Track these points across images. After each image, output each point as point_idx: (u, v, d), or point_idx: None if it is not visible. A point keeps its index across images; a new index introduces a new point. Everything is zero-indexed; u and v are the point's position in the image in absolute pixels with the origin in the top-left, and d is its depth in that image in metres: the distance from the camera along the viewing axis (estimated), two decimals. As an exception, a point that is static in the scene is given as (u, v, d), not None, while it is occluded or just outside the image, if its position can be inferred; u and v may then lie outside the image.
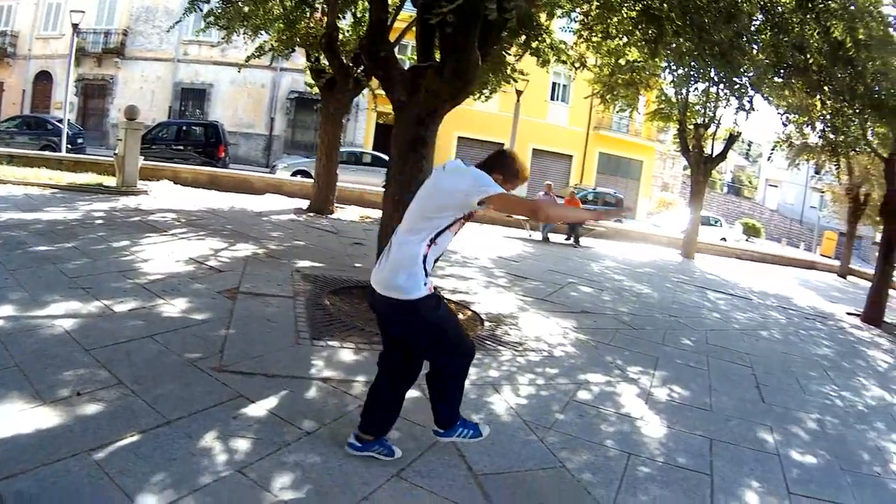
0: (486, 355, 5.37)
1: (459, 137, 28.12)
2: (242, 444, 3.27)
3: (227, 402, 3.70)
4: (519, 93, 17.75)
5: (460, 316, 6.38)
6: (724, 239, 27.03)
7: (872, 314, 13.02)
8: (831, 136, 12.96)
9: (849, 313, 14.07)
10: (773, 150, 16.67)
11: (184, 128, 20.26)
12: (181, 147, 18.89)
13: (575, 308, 7.99)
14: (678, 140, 17.31)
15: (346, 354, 4.85)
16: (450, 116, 21.07)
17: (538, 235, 14.82)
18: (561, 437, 4.19)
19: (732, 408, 5.61)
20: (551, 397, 4.76)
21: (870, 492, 4.76)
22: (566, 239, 15.38)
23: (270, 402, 3.82)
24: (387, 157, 20.40)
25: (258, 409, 3.70)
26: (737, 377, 6.64)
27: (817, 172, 21.77)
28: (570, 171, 31.52)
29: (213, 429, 3.36)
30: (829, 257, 34.64)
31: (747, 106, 16.43)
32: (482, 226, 15.34)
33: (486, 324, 6.40)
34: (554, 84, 29.61)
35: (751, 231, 38.89)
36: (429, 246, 2.85)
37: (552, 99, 30.34)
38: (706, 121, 16.63)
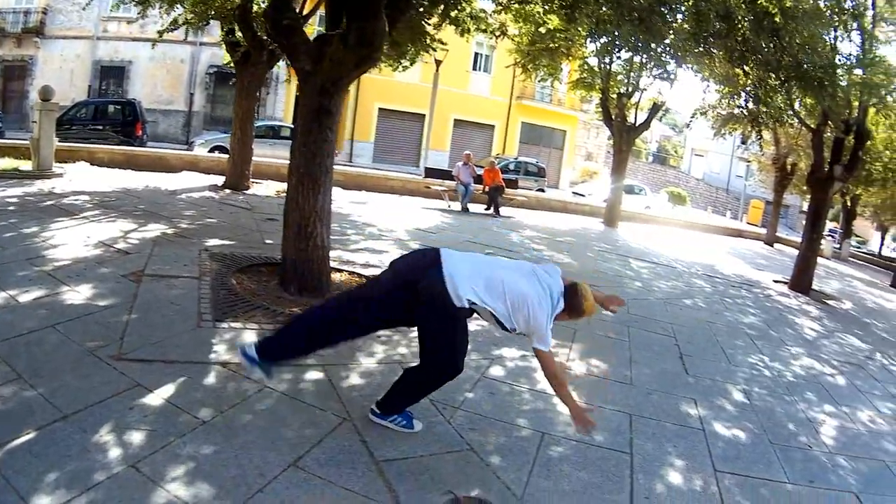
0: (395, 331, 5.57)
1: (381, 109, 30.88)
2: (137, 437, 3.43)
3: (124, 392, 3.87)
4: (438, 63, 19.38)
5: None
6: (648, 207, 29.59)
7: (800, 281, 14.29)
8: (753, 106, 13.71)
9: (776, 281, 15.31)
10: (692, 118, 17.63)
11: (101, 107, 21.76)
12: (99, 127, 20.16)
13: None
14: (601, 109, 18.72)
15: (249, 336, 5.08)
16: (371, 88, 25.54)
17: (458, 206, 15.79)
18: (470, 417, 4.35)
19: (654, 380, 5.87)
20: (462, 375, 4.64)
21: (800, 465, 5.06)
22: (486, 209, 16.34)
23: (168, 390, 4.00)
24: None
25: (155, 398, 3.88)
26: (659, 348, 7.01)
27: (743, 142, 23.49)
28: (493, 142, 34.69)
29: (110, 421, 3.52)
30: (756, 225, 37.49)
31: (667, 74, 17.38)
32: (400, 197, 16.59)
33: None
34: (476, 54, 32.57)
35: (676, 199, 42.37)
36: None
37: (474, 69, 33.32)
38: (629, 90, 18.06)
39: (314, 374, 4.48)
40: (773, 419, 5.90)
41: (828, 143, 14.12)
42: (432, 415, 4.23)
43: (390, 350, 5.39)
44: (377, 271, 7.47)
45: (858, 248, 46.10)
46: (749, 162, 37.82)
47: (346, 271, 7.52)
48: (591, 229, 17.54)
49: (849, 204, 32.82)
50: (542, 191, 26.66)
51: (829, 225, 46.18)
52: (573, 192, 31.49)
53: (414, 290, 3.48)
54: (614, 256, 13.18)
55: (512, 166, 27.45)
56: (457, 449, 3.87)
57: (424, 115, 26.15)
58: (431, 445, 3.83)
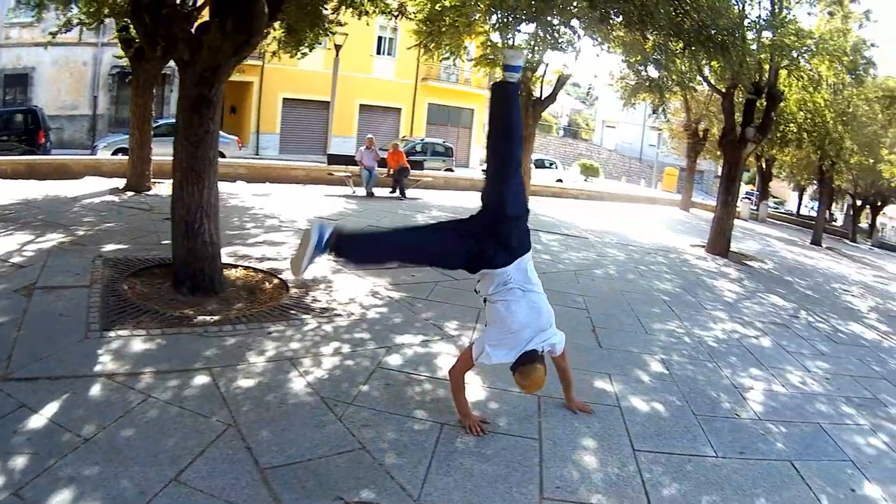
0: (288, 326, 5.67)
1: (285, 99, 31.53)
2: (21, 462, 3.37)
3: (9, 414, 3.81)
4: (338, 47, 20.50)
5: (266, 285, 7.02)
6: (559, 180, 30.93)
7: (717, 244, 14.67)
8: (657, 73, 14.12)
9: (693, 245, 15.68)
10: (589, 91, 17.87)
11: (3, 116, 21.58)
12: (4, 137, 20.01)
13: (391, 263, 8.08)
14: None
15: (136, 343, 5.05)
16: (275, 79, 26.94)
17: (363, 191, 16.24)
18: (364, 412, 4.28)
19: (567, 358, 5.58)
20: (357, 367, 4.99)
21: (728, 436, 4.91)
22: (391, 192, 16.83)
23: (52, 408, 3.94)
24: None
25: (39, 418, 3.82)
26: (570, 322, 6.86)
27: (654, 112, 23.94)
28: (400, 125, 35.87)
29: (-7, 448, 3.42)
30: (671, 192, 38.68)
31: (568, 46, 17.49)
32: (305, 186, 16.89)
33: (293, 290, 6.80)
34: (380, 38, 33.82)
35: (588, 171, 43.93)
36: None
37: (378, 53, 34.52)
38: (533, 64, 18.71)
39: (200, 379, 4.45)
40: (696, 389, 5.76)
41: (740, 106, 14.58)
42: (322, 413, 4.14)
43: (282, 346, 5.29)
44: (274, 265, 7.74)
45: (776, 208, 48.59)
46: (660, 130, 39.34)
47: (242, 266, 7.51)
48: None
49: (764, 166, 34.14)
50: (451, 170, 27.44)
51: (746, 188, 48.46)
52: (482, 171, 31.23)
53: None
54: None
55: (419, 147, 28.14)
56: (348, 449, 3.76)
57: (328, 103, 26.79)
58: (320, 447, 3.73)
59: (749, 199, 39.06)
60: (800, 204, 49.97)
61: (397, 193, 16.76)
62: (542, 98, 18.92)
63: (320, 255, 3.76)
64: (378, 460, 3.67)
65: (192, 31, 6.49)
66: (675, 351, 6.80)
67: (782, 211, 48.88)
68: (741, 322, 8.61)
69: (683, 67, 13.88)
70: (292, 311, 6.13)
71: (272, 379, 4.58)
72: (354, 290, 7.05)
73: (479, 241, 3.90)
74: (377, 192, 16.58)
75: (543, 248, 11.81)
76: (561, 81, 19.28)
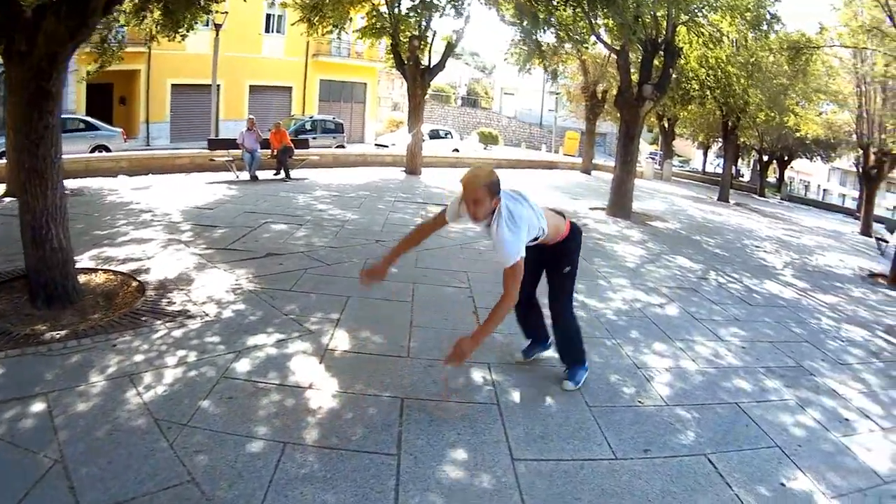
0: (136, 336, 5.27)
1: (174, 85, 31.19)
2: None
3: None
4: (217, 27, 20.97)
5: (125, 289, 6.67)
6: (456, 150, 31.59)
7: (618, 206, 14.50)
8: (549, 37, 14.23)
9: (593, 208, 15.46)
10: (449, 50, 18.37)
11: None
12: None
13: (260, 252, 8.21)
14: (392, 55, 19.82)
15: None
16: (162, 65, 29.21)
17: (246, 175, 16.10)
18: (199, 434, 3.87)
19: (438, 348, 5.29)
20: (200, 378, 4.61)
21: (630, 431, 4.32)
22: (275, 174, 16.83)
23: None
24: (99, 122, 22.20)
25: None
26: (449, 304, 6.58)
27: (553, 78, 24.43)
28: (291, 103, 36.45)
29: None
30: (573, 156, 39.30)
31: (451, 10, 17.33)
32: (189, 175, 16.33)
33: (149, 293, 6.45)
34: (268, 16, 34.25)
35: (487, 139, 44.60)
36: None
37: (267, 31, 34.87)
38: (421, 32, 18.89)
39: (37, 406, 4.04)
40: (592, 373, 5.09)
41: (637, 64, 14.75)
42: (154, 439, 3.75)
43: (125, 360, 4.81)
44: (136, 265, 7.34)
45: (681, 167, 50.34)
46: (558, 94, 40.08)
47: (103, 270, 7.05)
48: (391, 179, 18.03)
49: (667, 125, 35.17)
50: (343, 147, 27.98)
51: (650, 148, 49.68)
52: (376, 144, 33.58)
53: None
54: (410, 206, 13.01)
55: (308, 125, 28.40)
56: (175, 483, 3.35)
57: (220, 86, 27.76)
58: (147, 482, 3.34)
59: (653, 158, 40.08)
60: (705, 161, 51.77)
61: (282, 175, 16.63)
62: (431, 66, 19.28)
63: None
64: (207, 495, 3.27)
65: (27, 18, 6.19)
66: None
67: (688, 169, 50.57)
68: (644, 289, 8.13)
69: (577, 26, 14.36)
70: (144, 318, 5.78)
71: (108, 401, 4.15)
72: (215, 287, 6.63)
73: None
74: (263, 174, 16.39)
75: (421, 218, 11.22)
76: (450, 48, 19.63)
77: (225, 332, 5.36)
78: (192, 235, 9.01)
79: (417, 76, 18.99)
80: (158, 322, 5.64)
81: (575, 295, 6.91)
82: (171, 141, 30.25)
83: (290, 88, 36.53)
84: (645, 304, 7.42)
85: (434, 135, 31.93)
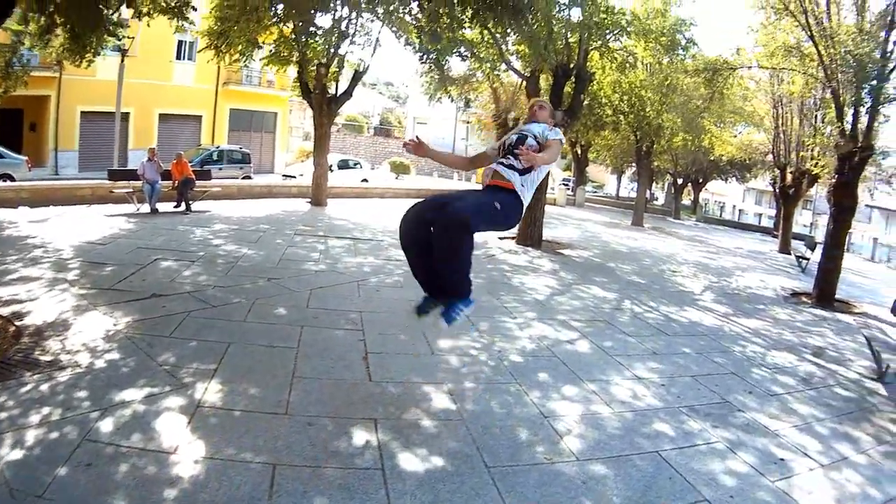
0: (2, 390, 4.84)
1: (84, 112, 30.18)
2: None
3: None
4: (123, 52, 20.75)
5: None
6: (365, 180, 31.93)
7: (528, 235, 14.16)
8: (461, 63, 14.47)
9: (501, 238, 15.05)
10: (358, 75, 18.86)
11: None
12: None
13: (145, 293, 7.73)
14: (298, 84, 19.94)
15: None
16: (72, 92, 27.94)
17: (147, 207, 15.52)
18: None
19: (320, 401, 4.94)
20: (61, 440, 4.18)
21: (535, 494, 3.86)
22: (175, 206, 16.26)
23: None
24: (4, 149, 21.02)
25: None
26: (338, 350, 6.11)
27: (466, 105, 24.43)
28: (201, 132, 35.96)
29: None
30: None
31: (358, 37, 17.65)
32: (90, 206, 15.52)
33: (24, 340, 5.99)
34: (180, 42, 33.35)
35: (399, 169, 44.38)
36: None
37: (178, 58, 34.38)
38: (327, 59, 18.80)
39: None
40: (493, 427, 4.63)
41: (548, 91, 14.61)
42: None
43: None
44: (17, 308, 6.88)
45: (595, 192, 51.19)
46: (469, 122, 40.48)
47: None
48: (295, 212, 17.61)
49: (580, 151, 35.41)
50: (249, 177, 27.70)
51: (563, 174, 50.37)
52: (283, 175, 33.23)
53: None
54: (309, 239, 12.51)
55: (215, 155, 27.99)
56: None
57: (129, 114, 27.96)
58: None
59: (566, 185, 40.58)
60: (619, 186, 52.87)
61: (182, 207, 16.11)
62: (338, 95, 19.25)
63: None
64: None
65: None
66: (469, 375, 5.70)
67: (601, 194, 51.44)
68: (554, 323, 7.70)
69: (488, 53, 14.40)
70: (14, 369, 5.40)
71: None
72: (92, 333, 6.13)
73: None
74: (161, 207, 15.82)
75: (326, 257, 10.60)
76: (357, 77, 19.55)
77: (94, 386, 4.94)
78: (80, 274, 8.52)
79: (324, 105, 18.91)
80: (28, 374, 5.25)
81: (476, 336, 6.59)
82: (79, 170, 29.32)
83: (200, 117, 36.06)
84: (554, 340, 6.97)
85: (343, 165, 31.91)
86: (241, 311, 7.07)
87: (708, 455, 4.48)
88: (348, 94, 19.34)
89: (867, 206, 41.68)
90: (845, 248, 11.92)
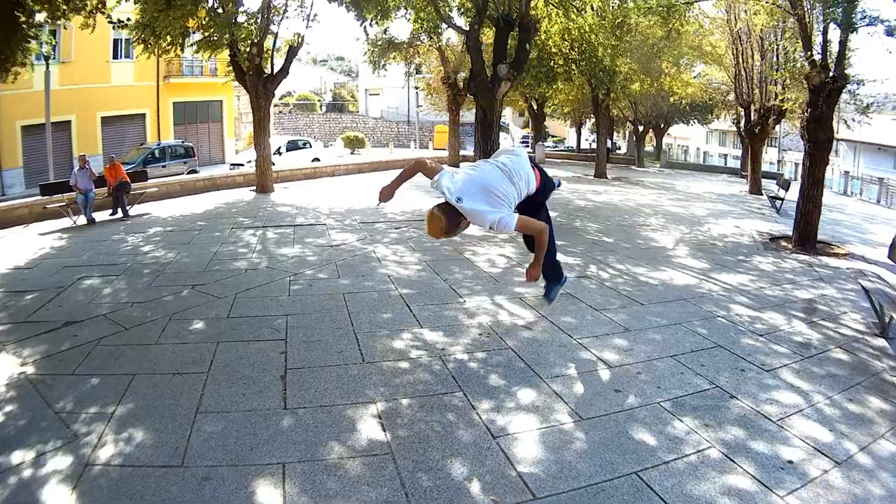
0: None
1: (24, 127, 28.88)
2: None
3: None
4: (47, 59, 20.75)
5: None
6: (317, 160, 31.06)
7: None
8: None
9: None
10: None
11: None
12: None
13: (59, 321, 6.93)
14: (231, 66, 19.33)
15: None
16: (11, 106, 25.97)
17: (83, 219, 14.81)
18: None
19: (221, 446, 4.11)
20: None
21: None
22: (111, 213, 15.59)
23: None
24: None
25: None
26: (253, 369, 5.28)
27: (418, 71, 23.60)
28: (146, 130, 35.35)
29: None
30: (443, 150, 38.65)
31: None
32: (26, 227, 14.53)
33: None
34: (116, 41, 32.81)
35: (353, 144, 44.02)
36: None
37: (115, 58, 33.55)
38: (259, 38, 18.22)
39: None
40: (427, 460, 3.75)
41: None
42: None
43: None
44: None
45: (555, 147, 50.51)
46: (418, 88, 39.82)
47: None
48: (237, 203, 16.83)
49: (535, 107, 34.68)
50: (195, 171, 27.17)
51: (522, 132, 49.55)
52: (231, 165, 32.44)
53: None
54: (246, 233, 11.65)
55: (157, 153, 27.72)
56: None
57: (70, 122, 27.61)
58: None
59: (525, 143, 39.66)
60: (579, 139, 52.14)
61: (119, 214, 15.38)
62: (274, 74, 18.78)
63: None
64: None
65: None
66: (405, 387, 4.76)
67: (562, 149, 50.71)
68: (510, 304, 6.77)
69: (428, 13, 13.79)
70: None
71: None
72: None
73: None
74: (98, 216, 15.04)
75: (262, 253, 9.67)
76: (293, 52, 19.07)
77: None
78: (-2, 308, 7.74)
79: (259, 86, 18.31)
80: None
81: (417, 332, 6.05)
82: (26, 187, 28.41)
83: (143, 115, 35.30)
84: (508, 327, 6.05)
85: (292, 146, 31.59)
86: (155, 330, 6.28)
87: (701, 469, 3.59)
88: (284, 71, 18.85)
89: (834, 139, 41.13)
90: (823, 185, 11.08)
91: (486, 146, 13.29)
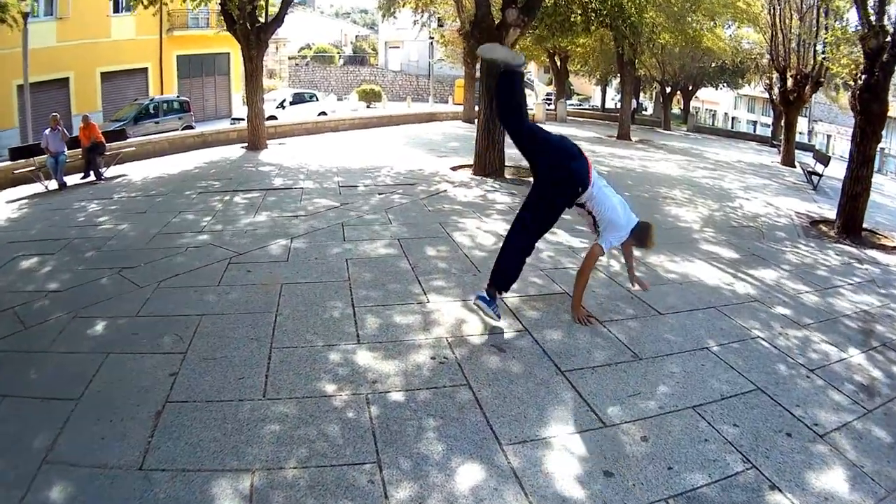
0: None
1: (20, 86, 27.44)
2: None
3: None
4: (25, 15, 19.61)
5: None
6: (323, 113, 29.55)
7: (485, 163, 11.75)
8: None
9: (456, 167, 12.76)
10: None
11: None
12: None
13: None
14: (222, 17, 18.45)
15: None
16: (5, 64, 25.18)
17: (55, 184, 13.95)
18: None
19: None
20: None
21: None
22: (83, 177, 14.60)
23: None
24: None
25: None
26: (131, 397, 3.96)
27: (440, 24, 22.54)
28: (148, 85, 34.21)
29: None
30: (462, 105, 37.85)
31: None
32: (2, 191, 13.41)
33: None
34: None
35: (368, 97, 42.39)
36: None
37: (115, 12, 32.43)
38: None
39: None
40: None
41: None
42: None
43: None
44: None
45: (580, 106, 49.02)
46: (433, 39, 38.07)
47: None
48: (222, 161, 15.59)
49: (559, 63, 33.13)
50: (191, 127, 25.69)
51: (547, 89, 48.02)
52: (232, 119, 30.62)
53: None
54: (214, 197, 10.29)
55: (151, 108, 26.30)
56: None
57: (69, 79, 27.02)
58: None
59: (549, 100, 38.36)
60: (604, 98, 50.45)
61: (92, 177, 14.43)
62: (268, 22, 17.86)
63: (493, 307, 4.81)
64: None
65: None
66: (302, 446, 3.38)
67: (587, 107, 48.99)
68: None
69: None
70: None
71: None
72: None
73: (560, 191, 4.81)
74: (70, 179, 14.07)
75: (218, 219, 8.51)
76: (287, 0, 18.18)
77: None
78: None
79: (251, 36, 17.28)
80: None
81: (350, 350, 4.69)
82: None
83: (145, 70, 34.05)
84: (474, 348, 4.51)
85: (298, 99, 29.89)
86: (52, 333, 5.06)
87: None
88: (279, 19, 17.89)
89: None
90: (873, 165, 9.51)
91: (492, 101, 11.81)
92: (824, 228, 9.57)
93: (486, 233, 7.64)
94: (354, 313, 5.00)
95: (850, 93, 10.28)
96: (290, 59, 51.85)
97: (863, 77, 9.14)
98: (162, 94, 31.94)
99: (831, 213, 10.32)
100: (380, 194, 9.78)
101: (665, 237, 7.75)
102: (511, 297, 5.31)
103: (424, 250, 6.74)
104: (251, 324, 4.83)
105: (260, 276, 6.03)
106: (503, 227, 7.71)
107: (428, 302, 5.29)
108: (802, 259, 7.63)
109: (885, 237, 9.55)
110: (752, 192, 12.99)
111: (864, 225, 9.52)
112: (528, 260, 4.95)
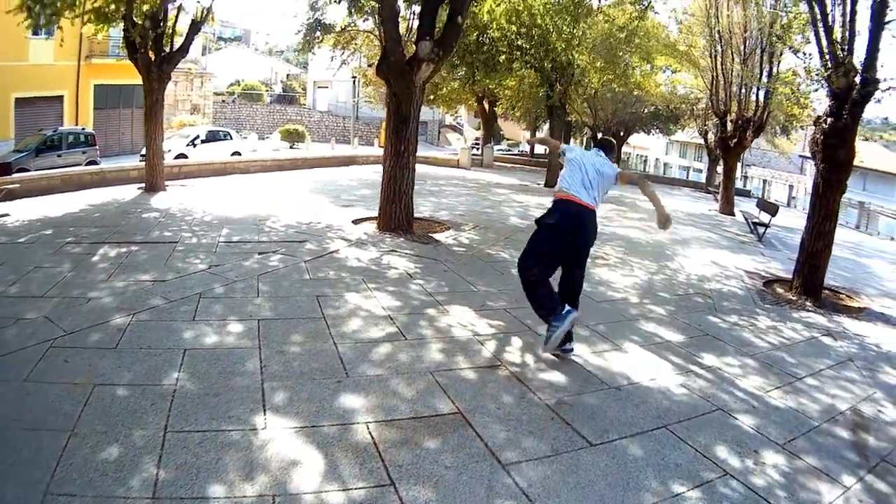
0: None
1: None
2: None
3: None
4: None
5: None
6: (236, 153, 28.73)
7: (390, 215, 10.50)
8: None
9: (358, 220, 11.54)
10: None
11: None
12: None
13: None
14: (124, 44, 17.61)
15: None
16: None
17: None
18: None
19: None
20: None
21: None
22: None
23: None
24: None
25: None
26: None
27: (370, 64, 23.54)
28: (64, 114, 33.46)
29: None
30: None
31: None
32: None
33: None
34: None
35: (292, 137, 42.28)
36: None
37: (35, 34, 30.71)
38: (155, 9, 16.64)
39: None
40: None
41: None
42: None
43: None
44: None
45: (508, 151, 49.53)
46: (355, 78, 38.17)
47: None
48: (110, 203, 14.42)
49: (486, 106, 32.90)
50: (95, 162, 25.36)
51: (476, 133, 48.17)
52: (141, 156, 29.14)
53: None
54: (74, 251, 8.90)
55: (55, 140, 25.56)
56: None
57: None
58: None
59: (477, 146, 38.19)
60: (532, 145, 50.10)
61: None
62: (172, 52, 17.22)
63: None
64: None
65: None
66: None
67: (516, 153, 49.20)
68: (337, 450, 3.73)
69: None
70: None
71: None
72: None
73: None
74: None
75: (58, 281, 7.00)
76: (195, 27, 17.39)
77: None
78: None
79: (153, 67, 16.49)
80: None
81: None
82: None
83: (61, 97, 33.33)
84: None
85: (211, 137, 29.10)
86: None
87: None
88: (184, 50, 17.21)
89: (800, 156, 39.08)
90: (838, 219, 8.56)
91: (400, 146, 10.62)
92: (780, 290, 8.57)
93: (369, 311, 6.20)
94: (162, 444, 3.43)
95: (810, 138, 9.34)
96: (216, 94, 51.42)
97: (828, 120, 8.21)
98: (77, 124, 31.29)
99: (783, 270, 9.47)
100: (259, 254, 8.39)
101: (597, 315, 6.53)
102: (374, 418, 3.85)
103: (286, 339, 5.31)
104: (34, 446, 3.25)
105: (77, 368, 4.57)
106: (390, 303, 6.47)
107: (263, 428, 3.75)
108: (764, 337, 6.41)
109: (847, 296, 8.72)
110: (693, 247, 11.88)
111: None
112: None
